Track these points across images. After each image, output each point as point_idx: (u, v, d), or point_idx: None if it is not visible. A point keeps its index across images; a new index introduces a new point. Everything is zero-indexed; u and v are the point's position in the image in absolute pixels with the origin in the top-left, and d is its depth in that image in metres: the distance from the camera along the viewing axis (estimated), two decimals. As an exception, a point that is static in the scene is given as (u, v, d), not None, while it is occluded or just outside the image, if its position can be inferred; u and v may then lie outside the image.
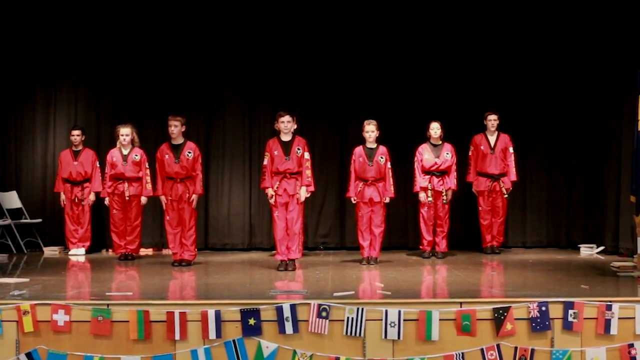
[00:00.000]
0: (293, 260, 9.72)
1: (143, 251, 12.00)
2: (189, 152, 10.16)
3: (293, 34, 12.69)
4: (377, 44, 12.69)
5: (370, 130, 10.31)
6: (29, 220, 12.33)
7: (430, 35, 12.63)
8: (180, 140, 10.25)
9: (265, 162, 9.66)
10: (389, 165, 10.36)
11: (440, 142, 11.13)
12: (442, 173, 11.06)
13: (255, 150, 12.70)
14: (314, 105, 12.61)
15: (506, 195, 11.59)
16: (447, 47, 12.62)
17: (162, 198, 10.23)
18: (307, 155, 9.67)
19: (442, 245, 11.19)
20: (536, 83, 12.58)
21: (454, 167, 11.12)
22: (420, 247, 11.34)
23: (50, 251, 12.16)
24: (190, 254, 10.29)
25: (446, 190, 11.04)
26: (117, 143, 11.24)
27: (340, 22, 12.66)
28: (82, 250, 11.88)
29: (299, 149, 9.60)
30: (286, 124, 9.59)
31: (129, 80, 12.72)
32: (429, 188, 11.00)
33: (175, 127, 10.14)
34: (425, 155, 11.09)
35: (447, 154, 11.07)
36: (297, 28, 12.69)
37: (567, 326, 6.73)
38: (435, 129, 11.08)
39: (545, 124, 12.57)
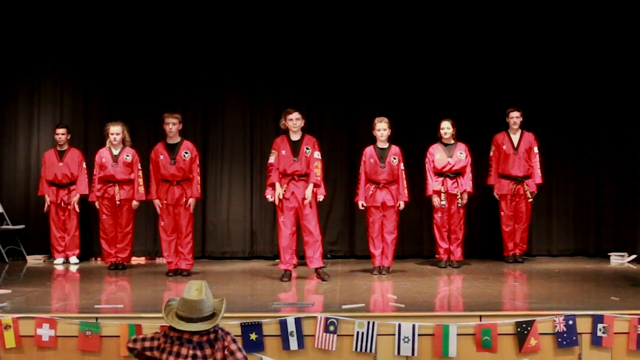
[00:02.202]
0: (318, 268, 9.74)
1: (135, 260, 12.02)
2: (186, 152, 10.18)
3: (297, 23, 12.71)
4: (388, 36, 12.70)
5: (382, 128, 10.28)
6: (10, 227, 12.34)
7: (445, 27, 12.66)
8: (176, 140, 10.27)
9: (272, 160, 9.67)
10: (402, 166, 10.34)
11: (453, 142, 11.12)
12: (456, 174, 11.04)
13: (257, 150, 12.71)
14: (320, 101, 12.60)
15: (531, 200, 11.55)
16: (463, 38, 12.63)
17: (157, 202, 10.23)
18: (317, 154, 9.68)
19: (457, 253, 11.17)
20: (560, 77, 12.58)
21: (468, 168, 11.06)
22: (436, 255, 11.33)
23: (34, 260, 12.17)
24: (187, 263, 10.31)
25: (461, 193, 11.02)
26: (107, 142, 11.23)
27: (349, 11, 12.68)
28: (75, 259, 11.87)
29: (307, 149, 9.61)
30: (295, 122, 9.60)
31: (119, 74, 12.73)
32: (442, 191, 10.99)
33: (173, 125, 10.15)
34: (437, 155, 11.07)
35: (461, 153, 11.04)
36: (302, 18, 12.71)
37: (596, 341, 6.73)
38: (446, 128, 11.05)
39: (571, 121, 12.54)
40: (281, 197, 9.58)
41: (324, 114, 12.69)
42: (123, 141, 11.21)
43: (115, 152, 11.16)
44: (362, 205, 10.32)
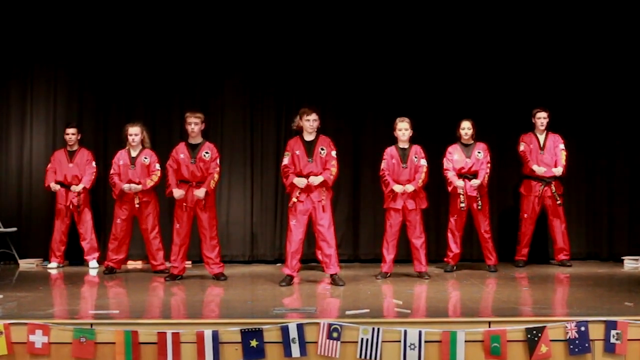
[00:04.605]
0: (335, 274, 9.74)
1: (131, 264, 12.00)
2: (206, 153, 10.19)
3: (300, 21, 12.72)
4: (395, 30, 12.70)
5: (404, 128, 10.31)
6: (2, 230, 12.34)
7: (457, 20, 12.68)
8: (198, 140, 10.31)
9: (286, 161, 9.71)
10: (424, 162, 10.36)
11: (472, 142, 11.14)
12: (475, 176, 11.03)
13: (257, 149, 12.71)
14: (323, 101, 12.46)
15: (559, 202, 11.50)
16: (475, 33, 12.66)
17: (176, 191, 10.14)
18: (334, 153, 9.74)
19: (492, 258, 11.23)
20: (574, 79, 12.65)
21: (485, 165, 11.05)
22: (445, 259, 11.35)
23: (27, 264, 12.16)
24: (218, 267, 10.38)
25: (480, 195, 11.00)
26: (126, 144, 11.20)
27: (354, 7, 12.68)
28: (95, 263, 11.85)
29: (322, 149, 9.66)
30: (312, 123, 9.67)
31: (115, 72, 12.74)
32: (462, 193, 10.97)
33: (196, 125, 10.20)
34: (455, 155, 11.09)
35: (479, 152, 11.05)
36: (305, 15, 12.72)
37: (609, 348, 6.71)
38: (466, 128, 11.08)
39: (584, 123, 12.57)
40: (295, 200, 9.60)
41: (327, 115, 12.56)
42: (142, 142, 11.19)
43: (134, 153, 11.13)
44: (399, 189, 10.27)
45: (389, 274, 10.40)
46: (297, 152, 9.64)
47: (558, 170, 11.41)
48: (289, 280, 9.67)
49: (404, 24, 12.67)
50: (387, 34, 12.68)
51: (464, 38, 12.64)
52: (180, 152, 10.23)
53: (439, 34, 12.66)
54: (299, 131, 9.80)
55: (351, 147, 12.58)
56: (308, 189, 9.58)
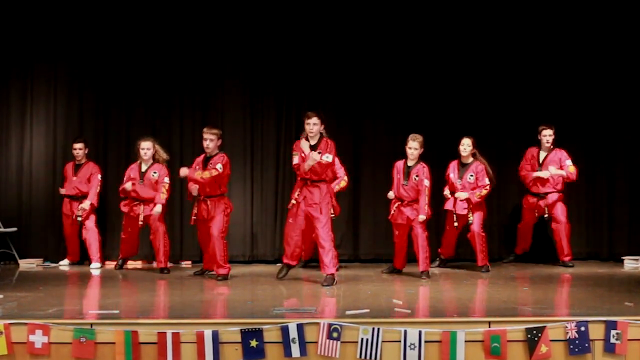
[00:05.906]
0: (331, 274, 9.68)
1: (131, 264, 12.01)
2: (211, 164, 10.14)
3: (300, 18, 12.72)
4: (396, 30, 12.71)
5: (413, 147, 10.31)
6: (2, 230, 12.33)
7: (460, 27, 12.71)
8: (214, 154, 10.26)
9: (296, 160, 9.64)
10: (426, 183, 10.29)
11: (471, 161, 11.10)
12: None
13: (257, 150, 12.70)
14: (322, 100, 12.47)
15: (546, 215, 11.54)
16: (475, 41, 12.70)
17: (183, 170, 10.17)
18: (326, 157, 9.60)
19: (480, 259, 11.12)
20: (573, 80, 12.66)
21: (472, 191, 10.97)
22: (439, 249, 11.51)
23: (27, 264, 12.16)
24: (223, 269, 10.31)
25: (472, 208, 11.00)
26: (138, 158, 11.22)
27: (356, 6, 12.67)
28: (96, 264, 11.86)
29: (320, 153, 9.64)
30: (312, 127, 9.60)
31: (115, 71, 12.74)
32: (453, 212, 11.00)
33: (211, 142, 10.17)
34: (451, 174, 11.10)
35: (471, 176, 11.02)
36: (305, 15, 12.72)
37: (609, 348, 6.71)
38: (465, 145, 11.04)
39: (584, 124, 12.57)
40: (294, 202, 9.60)
41: (327, 115, 12.48)
42: (153, 157, 11.18)
43: (144, 168, 11.14)
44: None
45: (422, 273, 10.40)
46: (302, 155, 9.62)
47: (553, 169, 11.36)
48: (286, 270, 9.67)
49: (406, 24, 12.68)
50: (388, 34, 12.68)
51: (464, 42, 12.67)
52: (196, 164, 10.26)
53: (439, 37, 12.69)
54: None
55: (351, 147, 12.57)
56: (308, 190, 9.57)
